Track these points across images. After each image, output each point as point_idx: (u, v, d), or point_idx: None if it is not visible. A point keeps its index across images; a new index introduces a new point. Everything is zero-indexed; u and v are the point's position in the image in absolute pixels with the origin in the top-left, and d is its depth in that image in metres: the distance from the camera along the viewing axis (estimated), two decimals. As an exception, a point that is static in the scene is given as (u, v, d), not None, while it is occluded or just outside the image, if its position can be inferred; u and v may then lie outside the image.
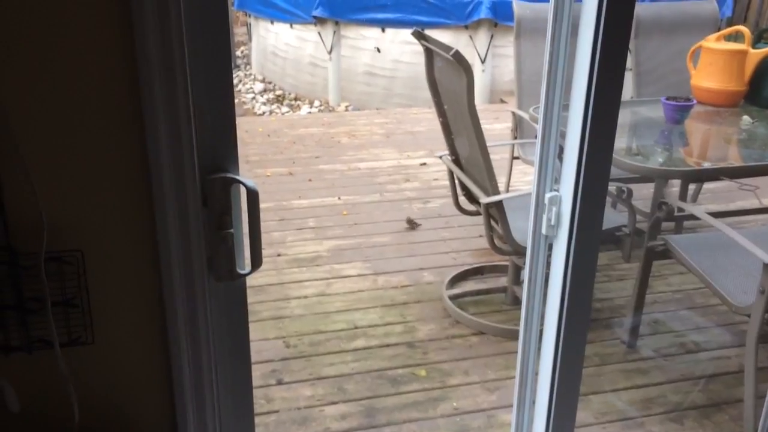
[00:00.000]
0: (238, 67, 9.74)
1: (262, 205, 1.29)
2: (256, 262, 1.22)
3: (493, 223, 2.85)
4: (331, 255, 3.75)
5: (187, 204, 1.17)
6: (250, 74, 9.25)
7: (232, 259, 1.22)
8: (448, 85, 2.84)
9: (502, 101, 7.15)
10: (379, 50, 7.31)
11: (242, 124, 6.35)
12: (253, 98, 8.33)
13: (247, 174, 4.90)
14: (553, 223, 1.61)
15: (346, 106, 7.72)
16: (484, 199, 2.76)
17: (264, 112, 7.76)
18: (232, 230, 1.21)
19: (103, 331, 1.21)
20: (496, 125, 5.98)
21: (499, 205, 2.74)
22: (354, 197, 4.56)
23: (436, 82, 2.96)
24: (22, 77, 1.06)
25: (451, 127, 3.01)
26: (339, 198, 4.53)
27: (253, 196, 1.17)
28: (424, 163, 5.20)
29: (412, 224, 4.10)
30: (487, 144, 2.67)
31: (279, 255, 3.74)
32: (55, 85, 1.07)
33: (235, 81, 9.02)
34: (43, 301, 1.15)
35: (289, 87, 8.42)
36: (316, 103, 7.93)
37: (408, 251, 3.81)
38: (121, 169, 1.14)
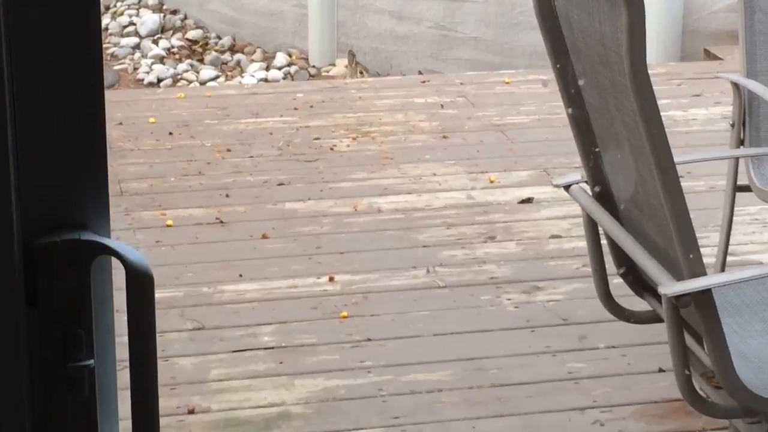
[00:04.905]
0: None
1: (157, 294, 1.01)
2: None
3: (689, 340, 2.58)
4: (313, 412, 3.31)
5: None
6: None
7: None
8: (588, 28, 2.59)
9: (710, 56, 6.83)
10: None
11: (110, 104, 6.23)
12: (136, 48, 7.81)
13: (119, 222, 4.48)
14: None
15: (351, 67, 7.18)
16: (670, 287, 2.45)
17: (160, 80, 7.36)
18: (91, 363, 1.05)
19: None
20: (696, 111, 5.51)
21: (704, 299, 2.45)
22: (363, 276, 4.07)
23: (557, 19, 2.71)
24: None
25: (593, 123, 2.75)
26: (330, 279, 4.07)
27: (141, 284, 1.01)
28: (529, 199, 4.74)
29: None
30: (676, 158, 2.42)
31: (191, 411, 3.30)
32: None
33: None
34: None
35: (219, 24, 7.93)
36: (280, 58, 7.45)
37: (493, 407, 3.34)
38: None
